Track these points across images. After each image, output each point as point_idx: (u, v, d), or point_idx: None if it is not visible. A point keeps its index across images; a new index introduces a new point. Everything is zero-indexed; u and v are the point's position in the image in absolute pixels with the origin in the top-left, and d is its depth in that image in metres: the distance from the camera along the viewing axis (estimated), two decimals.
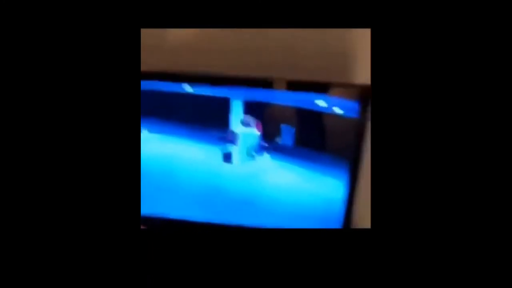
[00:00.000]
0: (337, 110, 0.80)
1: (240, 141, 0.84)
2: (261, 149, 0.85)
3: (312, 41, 0.87)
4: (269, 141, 0.84)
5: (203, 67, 0.82)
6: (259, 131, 0.83)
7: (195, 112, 0.84)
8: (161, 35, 0.89)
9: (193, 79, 0.82)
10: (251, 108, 0.82)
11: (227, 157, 0.86)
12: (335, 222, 0.86)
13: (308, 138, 0.83)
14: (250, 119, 0.83)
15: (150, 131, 0.86)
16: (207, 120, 0.84)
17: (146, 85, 0.81)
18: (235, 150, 0.85)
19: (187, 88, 0.82)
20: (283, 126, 0.83)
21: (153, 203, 0.88)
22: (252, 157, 0.85)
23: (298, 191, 0.86)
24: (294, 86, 0.81)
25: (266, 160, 0.85)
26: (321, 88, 0.80)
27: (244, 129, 0.84)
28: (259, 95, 0.82)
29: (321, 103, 0.80)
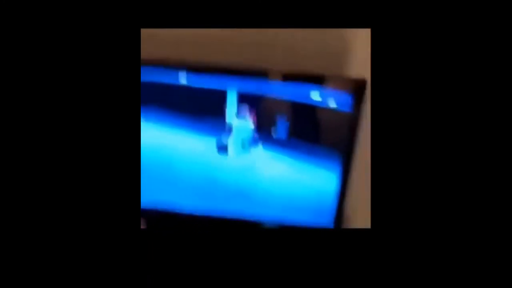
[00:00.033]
0: (331, 104, 0.81)
1: (234, 133, 0.85)
2: (255, 141, 0.86)
3: (312, 41, 0.89)
4: (264, 133, 0.85)
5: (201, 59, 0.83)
6: (253, 123, 0.85)
7: (191, 103, 0.84)
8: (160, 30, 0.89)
9: (189, 67, 0.82)
10: (246, 101, 0.83)
11: (223, 149, 0.87)
12: (327, 213, 0.88)
13: (302, 131, 0.85)
14: (245, 111, 0.84)
15: (146, 120, 0.86)
16: (203, 111, 0.85)
17: (143, 76, 0.82)
18: (230, 142, 0.86)
19: (183, 80, 0.83)
20: (277, 119, 0.84)
21: (147, 194, 0.89)
22: (247, 149, 0.86)
23: (292, 183, 0.87)
24: (289, 77, 0.82)
25: (260, 152, 0.86)
26: (316, 79, 0.81)
27: (239, 121, 0.85)
28: (255, 87, 0.82)
29: (315, 96, 0.81)
